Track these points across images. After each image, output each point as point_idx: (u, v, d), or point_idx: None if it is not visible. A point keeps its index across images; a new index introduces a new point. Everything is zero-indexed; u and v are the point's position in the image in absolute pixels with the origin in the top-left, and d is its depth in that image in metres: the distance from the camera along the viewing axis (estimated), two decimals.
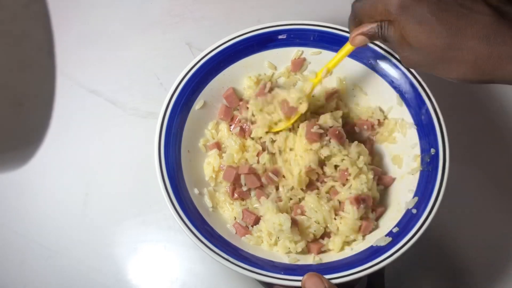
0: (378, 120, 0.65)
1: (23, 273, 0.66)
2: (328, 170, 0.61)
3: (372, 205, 0.61)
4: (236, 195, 0.62)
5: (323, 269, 0.56)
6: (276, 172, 0.62)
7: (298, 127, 0.62)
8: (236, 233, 0.60)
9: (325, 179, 0.62)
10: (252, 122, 0.64)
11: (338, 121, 0.63)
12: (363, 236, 0.60)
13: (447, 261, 0.67)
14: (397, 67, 0.63)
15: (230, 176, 0.62)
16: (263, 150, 0.63)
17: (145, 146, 0.65)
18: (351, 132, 0.65)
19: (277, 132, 0.63)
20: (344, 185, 0.61)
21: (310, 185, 0.62)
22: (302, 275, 0.52)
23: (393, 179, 0.63)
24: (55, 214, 0.69)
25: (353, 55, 0.65)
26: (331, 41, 0.65)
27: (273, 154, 0.63)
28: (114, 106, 0.74)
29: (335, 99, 0.66)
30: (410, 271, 0.65)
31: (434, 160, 0.59)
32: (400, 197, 0.61)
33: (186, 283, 0.66)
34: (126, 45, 0.78)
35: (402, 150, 0.63)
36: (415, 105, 0.62)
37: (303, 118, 0.63)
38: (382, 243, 0.56)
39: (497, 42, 0.38)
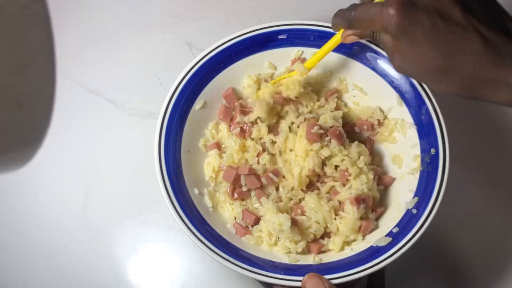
0: (378, 120, 0.65)
1: (23, 273, 0.66)
2: (328, 170, 0.61)
3: (372, 205, 0.61)
4: (236, 195, 0.62)
5: (323, 269, 0.56)
6: (276, 173, 0.62)
7: (298, 127, 0.62)
8: (236, 233, 0.60)
9: (325, 180, 0.62)
10: (252, 123, 0.64)
11: (338, 121, 0.63)
12: (363, 236, 0.60)
13: (447, 261, 0.67)
14: None
15: (230, 177, 0.62)
16: (264, 150, 0.63)
17: (145, 146, 0.65)
18: (351, 132, 0.65)
19: (277, 133, 0.63)
20: (344, 185, 0.61)
21: (311, 186, 0.62)
22: (302, 275, 0.52)
23: (393, 179, 0.63)
24: (55, 214, 0.69)
25: (353, 55, 0.65)
26: None
27: (273, 155, 0.63)
28: (114, 106, 0.74)
29: (335, 99, 0.66)
30: (410, 271, 0.65)
31: (434, 160, 0.59)
32: (400, 197, 0.61)
33: (186, 283, 0.66)
34: (126, 45, 0.78)
35: (402, 150, 0.63)
36: (415, 105, 0.62)
37: (302, 119, 0.63)
38: (382, 243, 0.56)
39: (483, 69, 0.42)
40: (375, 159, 0.65)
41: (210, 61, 0.64)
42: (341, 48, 0.64)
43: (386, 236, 0.57)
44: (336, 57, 0.66)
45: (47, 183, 0.70)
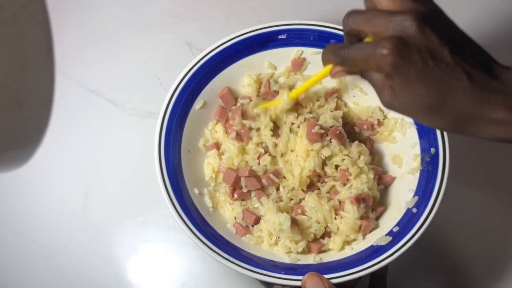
0: (378, 119, 0.65)
1: (23, 273, 0.66)
2: (328, 170, 0.61)
3: (372, 204, 0.61)
4: (236, 196, 0.62)
5: (323, 268, 0.56)
6: (277, 173, 0.62)
7: (299, 127, 0.62)
8: (236, 233, 0.60)
9: (326, 179, 0.62)
10: (250, 129, 0.64)
11: (338, 121, 0.63)
12: (364, 236, 0.60)
13: (447, 261, 0.66)
14: None
15: (230, 179, 0.62)
16: (265, 152, 0.63)
17: (145, 146, 0.65)
18: (351, 132, 0.65)
19: (278, 135, 0.63)
20: (344, 184, 0.61)
21: (311, 186, 0.62)
22: (302, 274, 0.52)
23: (393, 179, 0.63)
24: (55, 214, 0.69)
25: None
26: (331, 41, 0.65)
27: (274, 157, 0.63)
28: (114, 106, 0.74)
29: (335, 99, 0.66)
30: (410, 271, 0.65)
31: (434, 160, 0.59)
32: (400, 197, 0.61)
33: (186, 283, 0.66)
34: (126, 45, 0.78)
35: (402, 150, 0.63)
36: None
37: (302, 119, 0.63)
38: (383, 243, 0.56)
39: (469, 106, 0.44)
40: (375, 159, 0.65)
41: (210, 61, 0.64)
42: None
43: (386, 235, 0.57)
44: None
45: (47, 183, 0.70)
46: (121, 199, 0.69)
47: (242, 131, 0.64)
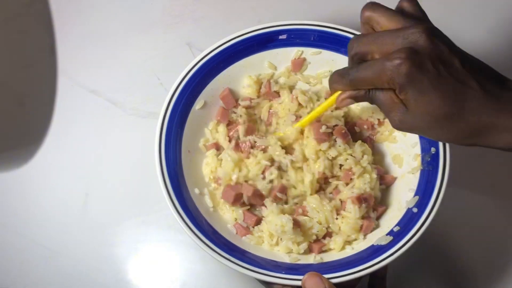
0: (378, 119, 0.65)
1: (23, 273, 0.66)
2: (334, 170, 0.61)
3: (373, 204, 0.61)
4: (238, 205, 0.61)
5: (324, 268, 0.56)
6: (283, 189, 0.60)
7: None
8: (236, 233, 0.60)
9: (330, 179, 0.62)
10: (252, 146, 0.62)
11: (340, 120, 0.63)
12: (364, 235, 0.60)
13: (447, 261, 0.67)
14: None
15: (230, 197, 0.59)
16: (271, 165, 0.60)
17: (145, 146, 0.65)
18: (352, 131, 0.65)
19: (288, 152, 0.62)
20: (347, 184, 0.61)
21: (318, 188, 0.62)
22: (303, 274, 0.52)
23: (394, 178, 0.63)
24: (55, 214, 0.68)
25: None
26: (331, 41, 0.65)
27: (283, 170, 0.61)
28: (114, 106, 0.74)
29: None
30: (410, 271, 0.65)
31: (435, 159, 0.59)
32: (401, 196, 0.61)
33: (186, 283, 0.65)
34: (126, 45, 0.78)
35: (402, 150, 0.63)
36: None
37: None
38: (383, 242, 0.56)
39: (484, 114, 0.44)
40: (376, 159, 0.65)
41: (210, 61, 0.64)
42: (340, 48, 0.64)
43: (387, 235, 0.57)
44: (336, 56, 0.66)
45: (47, 182, 0.70)
46: (121, 199, 0.69)
47: (243, 145, 0.62)
